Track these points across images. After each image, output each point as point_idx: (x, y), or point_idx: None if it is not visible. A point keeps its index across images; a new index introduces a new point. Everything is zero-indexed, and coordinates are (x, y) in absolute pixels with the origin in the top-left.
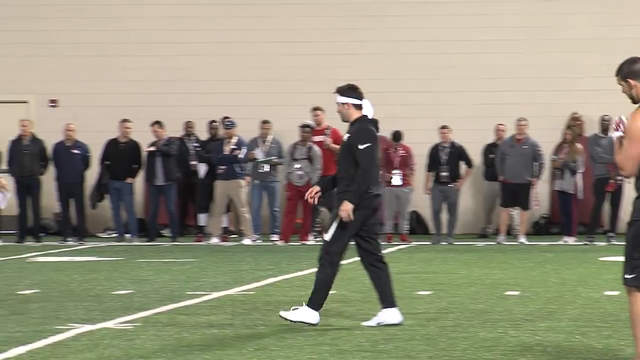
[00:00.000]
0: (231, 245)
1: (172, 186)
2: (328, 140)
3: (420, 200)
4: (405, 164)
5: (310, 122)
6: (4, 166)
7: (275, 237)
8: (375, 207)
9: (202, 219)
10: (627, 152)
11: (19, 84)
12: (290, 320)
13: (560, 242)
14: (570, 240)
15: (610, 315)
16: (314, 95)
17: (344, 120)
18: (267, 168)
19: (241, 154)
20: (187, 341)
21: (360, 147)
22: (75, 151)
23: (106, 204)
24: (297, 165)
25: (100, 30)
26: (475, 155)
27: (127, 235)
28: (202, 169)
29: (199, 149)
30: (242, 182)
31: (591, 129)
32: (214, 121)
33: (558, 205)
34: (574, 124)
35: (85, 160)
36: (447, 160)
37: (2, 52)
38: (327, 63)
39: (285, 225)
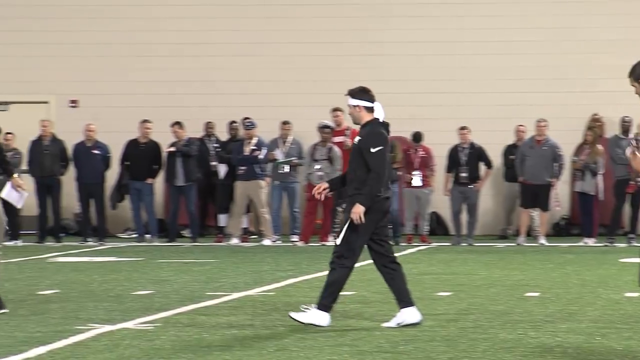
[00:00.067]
0: (251, 245)
1: (193, 187)
2: (348, 141)
3: (441, 202)
4: (426, 165)
5: (330, 122)
6: (25, 166)
7: (295, 238)
8: (386, 210)
9: (222, 219)
10: None
11: (39, 85)
12: (301, 322)
13: (581, 244)
14: (591, 242)
15: (630, 317)
16: (334, 96)
17: (355, 123)
18: (287, 169)
19: (261, 154)
20: (207, 342)
21: (373, 150)
22: (96, 151)
23: (126, 204)
24: (317, 166)
25: (121, 31)
26: (496, 156)
27: (147, 236)
28: (222, 169)
29: (219, 149)
30: (262, 182)
31: (612, 130)
32: (234, 122)
33: (578, 206)
34: (595, 125)
35: (105, 161)
36: (466, 161)
37: (22, 53)
38: (347, 64)
39: (305, 226)
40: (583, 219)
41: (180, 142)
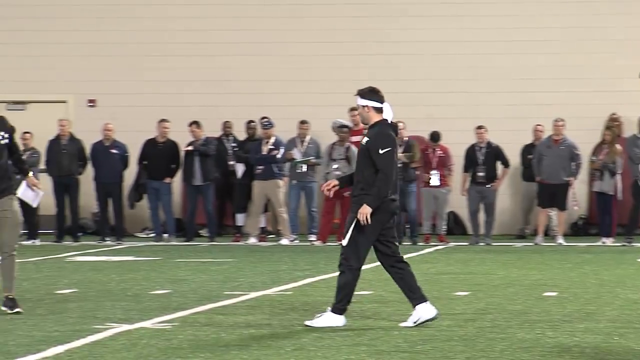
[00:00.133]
0: (269, 245)
1: (210, 186)
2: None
3: (458, 201)
4: (443, 164)
5: (347, 122)
6: (42, 165)
7: (312, 238)
8: (393, 212)
9: (240, 219)
10: None
11: (57, 84)
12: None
13: (599, 243)
14: (609, 241)
15: None
16: (352, 95)
17: (364, 123)
18: (304, 168)
19: (279, 154)
20: (224, 341)
21: (381, 151)
22: (114, 151)
23: (144, 203)
24: (335, 166)
25: (139, 30)
26: (514, 156)
27: (165, 235)
28: (240, 169)
29: (237, 149)
30: (280, 182)
31: (630, 129)
32: (252, 121)
33: (596, 206)
34: (613, 124)
35: (123, 160)
36: (483, 161)
37: (41, 52)
38: (364, 63)
39: (322, 226)
40: (601, 219)
41: (198, 141)
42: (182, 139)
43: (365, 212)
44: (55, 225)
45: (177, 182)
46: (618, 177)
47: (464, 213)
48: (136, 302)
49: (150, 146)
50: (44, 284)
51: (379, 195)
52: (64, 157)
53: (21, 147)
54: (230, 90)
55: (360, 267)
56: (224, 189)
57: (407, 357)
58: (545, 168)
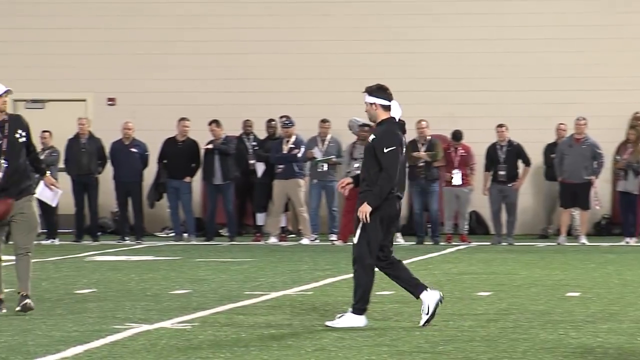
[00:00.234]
0: (289, 245)
1: (230, 185)
2: None
3: (480, 200)
4: (465, 163)
5: (367, 120)
6: (61, 164)
7: (333, 237)
8: (399, 209)
9: (260, 218)
10: None
11: (77, 83)
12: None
13: (622, 243)
14: (632, 241)
15: None
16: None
17: (371, 121)
18: (325, 167)
19: (299, 153)
20: (244, 341)
21: (385, 150)
22: (134, 150)
23: (164, 203)
24: (356, 165)
25: (159, 28)
26: (536, 155)
27: (185, 235)
28: (260, 168)
29: (257, 147)
30: (301, 181)
31: None
32: (272, 120)
33: (620, 205)
34: (637, 123)
35: (143, 159)
36: (504, 159)
37: (60, 51)
38: (386, 61)
39: (343, 225)
40: (625, 219)
41: (218, 140)
42: (202, 138)
43: (365, 210)
44: (75, 224)
45: (197, 181)
46: None
47: (486, 212)
48: (156, 302)
49: (170, 145)
50: (63, 284)
51: (380, 194)
52: (83, 156)
53: (40, 146)
54: (250, 88)
55: (374, 263)
56: (244, 188)
57: (428, 358)
58: (566, 167)
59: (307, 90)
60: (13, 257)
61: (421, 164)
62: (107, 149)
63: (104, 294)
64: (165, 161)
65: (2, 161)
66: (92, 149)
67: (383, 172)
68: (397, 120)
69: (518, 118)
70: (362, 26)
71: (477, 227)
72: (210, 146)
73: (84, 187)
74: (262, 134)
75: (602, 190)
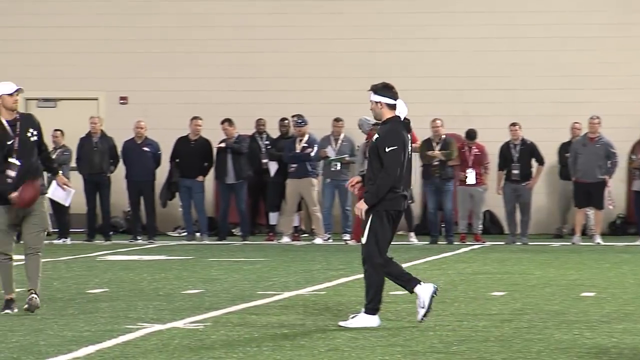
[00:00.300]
0: (302, 244)
1: (243, 184)
2: None
3: (494, 200)
4: (480, 162)
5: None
6: (73, 163)
7: (347, 237)
8: (404, 208)
9: (273, 217)
10: None
11: (89, 81)
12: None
13: (637, 243)
14: None
15: None
16: None
17: (376, 119)
18: (338, 166)
19: (312, 152)
20: (257, 341)
21: (387, 149)
22: (146, 149)
23: (176, 202)
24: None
25: (171, 27)
26: (551, 154)
27: (198, 234)
28: (273, 167)
29: (270, 147)
30: (314, 180)
31: None
32: (285, 119)
33: (635, 205)
34: None
35: (155, 158)
36: (518, 158)
37: (72, 49)
38: (399, 60)
39: (357, 225)
40: None
41: (231, 139)
42: (215, 137)
43: (361, 207)
44: (87, 224)
45: (209, 180)
46: None
47: (500, 212)
48: (168, 301)
49: (182, 144)
50: (75, 284)
51: (378, 192)
52: (95, 155)
53: (51, 145)
54: (263, 87)
55: (383, 262)
56: (256, 187)
57: (442, 358)
58: (580, 166)
59: (320, 89)
60: (23, 257)
61: (436, 163)
62: (119, 148)
63: (116, 294)
64: (177, 160)
65: (16, 160)
66: (104, 148)
67: (383, 171)
68: (402, 119)
69: (532, 117)
70: (375, 24)
71: (492, 226)
72: (222, 145)
73: (96, 186)
74: (274, 133)
75: (616, 190)
